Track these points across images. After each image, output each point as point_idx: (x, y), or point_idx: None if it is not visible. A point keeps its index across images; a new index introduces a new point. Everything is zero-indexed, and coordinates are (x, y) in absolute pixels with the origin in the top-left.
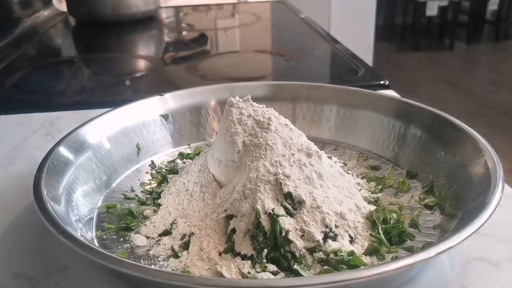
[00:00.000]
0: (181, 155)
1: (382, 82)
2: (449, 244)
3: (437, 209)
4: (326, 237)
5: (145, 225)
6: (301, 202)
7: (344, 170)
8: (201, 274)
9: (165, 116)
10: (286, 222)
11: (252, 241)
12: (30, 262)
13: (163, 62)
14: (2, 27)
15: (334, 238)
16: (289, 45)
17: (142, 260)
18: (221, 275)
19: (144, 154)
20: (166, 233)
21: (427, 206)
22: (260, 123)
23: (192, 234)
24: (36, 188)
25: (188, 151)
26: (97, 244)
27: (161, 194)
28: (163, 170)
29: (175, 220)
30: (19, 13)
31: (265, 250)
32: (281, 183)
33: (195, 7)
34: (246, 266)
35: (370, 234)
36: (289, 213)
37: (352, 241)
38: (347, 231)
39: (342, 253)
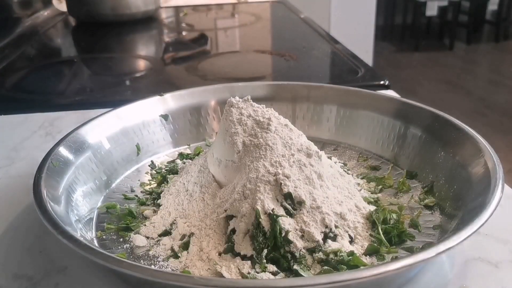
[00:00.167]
0: (181, 156)
1: (382, 82)
2: (449, 244)
3: (437, 209)
4: (326, 237)
5: (145, 225)
6: (301, 203)
7: (344, 170)
8: (201, 275)
9: (165, 116)
10: (286, 223)
11: (252, 242)
12: (30, 262)
13: (163, 62)
14: (2, 27)
15: (334, 239)
16: (289, 45)
17: (142, 261)
18: (221, 276)
19: (144, 154)
20: (166, 233)
21: (427, 206)
22: (260, 123)
23: (192, 234)
24: (36, 188)
25: (188, 151)
26: (97, 245)
27: (161, 195)
28: (163, 170)
29: (175, 220)
30: (19, 13)
31: (265, 250)
32: (281, 183)
33: (195, 7)
34: (246, 266)
35: (370, 235)
36: (289, 214)
37: (352, 241)
38: (347, 232)
39: (342, 253)
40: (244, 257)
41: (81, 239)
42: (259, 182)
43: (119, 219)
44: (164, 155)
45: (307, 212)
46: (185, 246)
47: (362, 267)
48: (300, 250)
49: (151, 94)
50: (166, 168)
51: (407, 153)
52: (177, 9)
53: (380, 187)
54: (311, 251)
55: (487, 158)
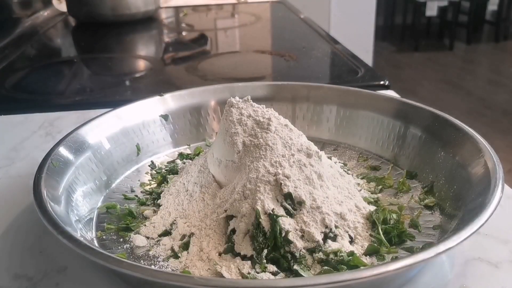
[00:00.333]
0: (181, 156)
1: (382, 82)
2: (449, 245)
3: (437, 210)
4: (326, 237)
5: (145, 225)
6: (301, 203)
7: (344, 171)
8: (201, 275)
9: (165, 117)
10: (286, 223)
11: (252, 242)
12: (30, 263)
13: (163, 63)
14: (2, 27)
15: (334, 239)
16: (289, 45)
17: (142, 261)
18: (221, 276)
19: (144, 154)
20: (166, 233)
21: (427, 207)
22: (260, 123)
23: (192, 234)
24: (36, 188)
25: (188, 151)
26: (97, 245)
27: (161, 195)
28: (163, 170)
29: (175, 220)
30: (19, 13)
31: (265, 251)
32: (281, 183)
33: (195, 8)
34: (246, 266)
35: (370, 235)
36: (289, 214)
37: (352, 241)
38: (347, 232)
39: (342, 254)
40: (244, 257)
41: (81, 239)
42: (259, 182)
43: (119, 219)
44: (164, 155)
45: (307, 212)
46: (185, 246)
47: (362, 267)
48: (300, 250)
49: (151, 94)
50: (166, 168)
51: (407, 153)
52: (177, 9)
53: (380, 187)
54: (311, 251)
55: (487, 158)
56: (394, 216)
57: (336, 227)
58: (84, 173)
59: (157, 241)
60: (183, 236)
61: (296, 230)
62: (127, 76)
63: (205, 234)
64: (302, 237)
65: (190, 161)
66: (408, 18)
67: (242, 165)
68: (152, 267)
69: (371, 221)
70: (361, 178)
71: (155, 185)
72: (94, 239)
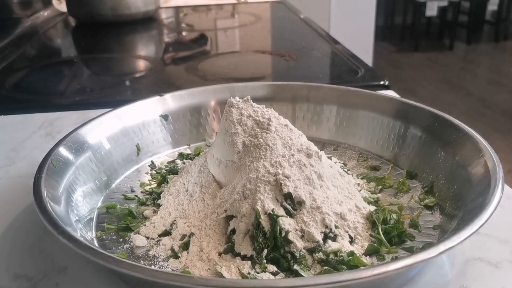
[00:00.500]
0: (181, 156)
1: (382, 82)
2: (449, 245)
3: (437, 210)
4: (326, 237)
5: (145, 225)
6: (301, 203)
7: (344, 171)
8: (201, 275)
9: (165, 117)
10: (286, 223)
11: (252, 242)
12: (30, 263)
13: (163, 63)
14: (2, 27)
15: (334, 239)
16: (289, 45)
17: (142, 261)
18: (221, 276)
19: (144, 154)
20: (166, 233)
21: (427, 207)
22: (260, 123)
23: (192, 234)
24: (36, 188)
25: (188, 151)
26: (97, 245)
27: (161, 195)
28: (163, 170)
29: (175, 220)
30: (19, 13)
31: (265, 251)
32: (281, 183)
33: (195, 8)
34: (246, 266)
35: (370, 235)
36: (289, 214)
37: (352, 241)
38: (347, 232)
39: (342, 254)
40: (244, 257)
41: (81, 239)
42: (259, 182)
43: (119, 219)
44: (164, 155)
45: (307, 212)
46: (185, 246)
47: (362, 267)
48: (300, 250)
49: (151, 94)
50: (166, 168)
51: (407, 153)
52: (177, 9)
53: (380, 187)
54: (311, 251)
55: (487, 158)
56: (394, 216)
57: (336, 227)
58: (84, 173)
59: (157, 241)
60: (183, 236)
61: (296, 230)
62: (127, 76)
63: (205, 234)
64: (302, 237)
65: (190, 161)
66: (408, 18)
67: (242, 165)
68: (152, 267)
69: (371, 221)
70: (361, 178)
71: (155, 185)
72: (94, 239)
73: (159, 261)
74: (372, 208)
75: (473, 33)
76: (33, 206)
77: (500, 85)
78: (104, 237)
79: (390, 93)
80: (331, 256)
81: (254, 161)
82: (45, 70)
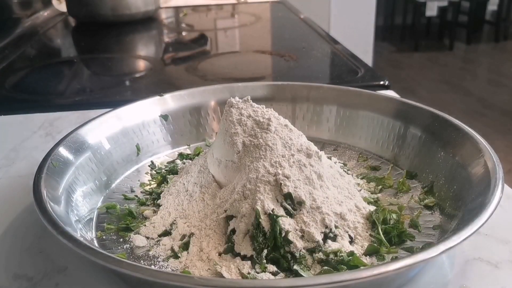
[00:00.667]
0: (181, 156)
1: (382, 82)
2: (449, 244)
3: (437, 210)
4: (326, 237)
5: (145, 225)
6: (301, 203)
7: (344, 171)
8: (201, 275)
9: (164, 117)
10: (286, 223)
11: (252, 242)
12: (30, 263)
13: (163, 63)
14: (2, 27)
15: (334, 239)
16: (289, 45)
17: (141, 261)
18: (221, 276)
19: (143, 154)
20: (166, 233)
21: (427, 207)
22: (260, 123)
23: (192, 234)
24: (36, 188)
25: (188, 151)
26: (96, 245)
27: (161, 195)
28: (163, 170)
29: (175, 220)
30: (19, 14)
31: (265, 251)
32: (281, 183)
33: (194, 8)
34: (246, 266)
35: (370, 235)
36: (289, 214)
37: (352, 241)
38: (347, 232)
39: (342, 254)
40: (244, 257)
41: (81, 239)
42: (259, 182)
43: (119, 219)
44: (164, 156)
45: (307, 212)
46: (185, 246)
47: (362, 267)
48: (300, 250)
49: (151, 94)
50: (166, 169)
51: (407, 153)
52: (177, 9)
53: (380, 187)
54: (311, 251)
55: (487, 158)
56: (394, 216)
57: (336, 227)
58: (84, 173)
59: (157, 241)
60: (183, 236)
61: (296, 230)
62: (127, 76)
63: (205, 234)
64: (302, 237)
65: (190, 161)
66: (408, 18)
67: (242, 165)
68: (152, 267)
69: (371, 221)
70: (361, 178)
71: (155, 185)
72: (94, 239)
73: (159, 261)
74: (372, 208)
75: (473, 33)
76: (33, 206)
77: (500, 85)
78: (104, 237)
79: (390, 93)
80: (331, 256)
81: (254, 161)
82: (45, 70)
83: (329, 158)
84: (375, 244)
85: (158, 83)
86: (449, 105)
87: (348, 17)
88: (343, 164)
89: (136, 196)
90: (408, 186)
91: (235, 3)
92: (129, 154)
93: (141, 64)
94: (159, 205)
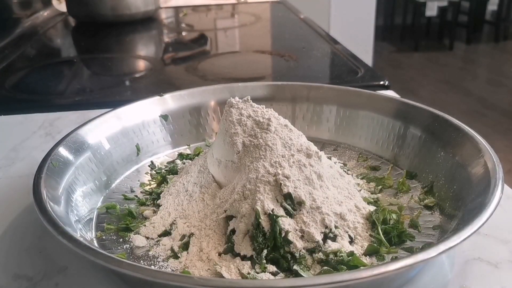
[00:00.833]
0: (181, 156)
1: (381, 82)
2: (449, 244)
3: (436, 210)
4: (325, 237)
5: (145, 225)
6: (300, 203)
7: (343, 171)
8: (200, 275)
9: (164, 117)
10: (286, 223)
11: (251, 242)
12: (30, 263)
13: (162, 63)
14: (2, 27)
15: (333, 239)
16: (289, 45)
17: (141, 261)
18: (221, 276)
19: (143, 154)
20: (166, 233)
21: (427, 207)
22: (260, 123)
23: (191, 234)
24: (36, 188)
25: (188, 151)
26: (96, 245)
27: (161, 195)
28: (163, 170)
29: (175, 220)
30: (19, 14)
31: (265, 251)
32: (280, 183)
33: (194, 8)
34: (246, 266)
35: (370, 235)
36: (289, 214)
37: (351, 241)
38: (347, 232)
39: (342, 254)
40: (244, 258)
41: (81, 239)
42: (259, 182)
43: (119, 219)
44: (164, 156)
45: (307, 212)
46: (185, 247)
47: (362, 268)
48: (300, 251)
49: (151, 94)
50: (166, 169)
51: (407, 153)
52: (177, 9)
53: (380, 187)
54: (311, 251)
55: (487, 158)
56: (394, 216)
57: (336, 227)
58: (84, 173)
59: (157, 241)
60: (183, 236)
61: (296, 230)
62: (127, 76)
63: (205, 234)
64: (302, 237)
65: (190, 161)
66: (408, 18)
67: (241, 165)
68: (152, 267)
69: (371, 221)
70: (361, 178)
71: (155, 185)
72: (94, 239)
73: (159, 261)
74: (372, 208)
75: (473, 33)
76: (33, 206)
77: (500, 85)
78: (103, 237)
79: (390, 93)
80: (331, 256)
81: (254, 161)
82: (45, 70)
83: (329, 158)
84: (375, 244)
85: (158, 83)
86: (449, 105)
87: (348, 17)
88: (343, 164)
89: (136, 196)
90: (408, 186)
91: (235, 3)
92: (129, 154)
93: (141, 64)
94: (159, 205)
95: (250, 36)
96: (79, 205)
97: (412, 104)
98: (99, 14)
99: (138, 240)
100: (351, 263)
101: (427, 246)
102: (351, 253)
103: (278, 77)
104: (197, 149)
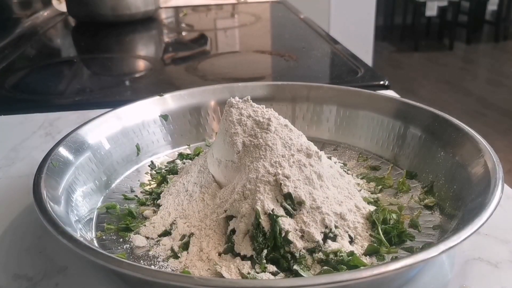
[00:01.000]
0: (181, 156)
1: (381, 82)
2: (449, 244)
3: (437, 210)
4: (325, 237)
5: (145, 225)
6: (300, 203)
7: (344, 171)
8: (200, 275)
9: (164, 117)
10: (286, 223)
11: (251, 242)
12: (30, 263)
13: (162, 63)
14: (2, 27)
15: (333, 239)
16: (289, 45)
17: (141, 261)
18: (221, 276)
19: (143, 154)
20: (166, 233)
21: (427, 207)
22: (260, 123)
23: (191, 234)
24: (36, 188)
25: (188, 151)
26: (96, 245)
27: (161, 195)
28: (163, 170)
29: (175, 220)
30: (19, 14)
31: (265, 251)
32: (280, 183)
33: (194, 8)
34: (246, 266)
35: (370, 235)
36: (289, 214)
37: (352, 241)
38: (347, 232)
39: (342, 254)
40: (244, 258)
41: (81, 239)
42: (259, 182)
43: (119, 219)
44: (164, 156)
45: (307, 212)
46: (185, 247)
47: (362, 267)
48: (300, 250)
49: (151, 94)
50: (166, 169)
51: (407, 153)
52: (177, 9)
53: (380, 187)
54: (311, 251)
55: (487, 158)
56: (394, 216)
57: (336, 227)
58: (84, 173)
59: (157, 241)
60: (183, 236)
61: (296, 230)
62: (127, 76)
63: (205, 234)
64: (302, 237)
65: (190, 161)
66: (408, 18)
67: (242, 165)
68: (152, 267)
69: (371, 221)
70: (361, 178)
71: (155, 185)
72: (94, 239)
73: (159, 261)
74: (372, 208)
75: (473, 33)
76: (33, 206)
77: (500, 85)
78: (104, 237)
79: (390, 93)
80: (331, 256)
81: (254, 161)
82: (45, 70)
83: (329, 158)
84: (375, 244)
85: (158, 83)
86: (449, 105)
87: (348, 17)
88: (343, 164)
89: (136, 196)
90: (408, 186)
91: (235, 3)
92: (129, 154)
93: (141, 64)
94: (159, 205)
95: (250, 36)
96: (79, 205)
97: (412, 104)
98: (99, 14)
99: (138, 240)
100: (351, 263)
101: (427, 246)
102: (351, 253)
103: (278, 77)
104: (197, 149)
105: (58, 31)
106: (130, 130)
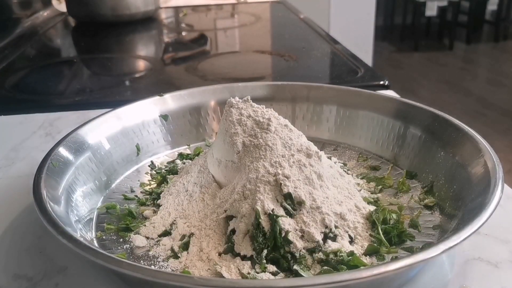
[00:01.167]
0: (181, 156)
1: (381, 82)
2: (449, 244)
3: (436, 209)
4: (325, 237)
5: (145, 225)
6: (300, 203)
7: (344, 171)
8: (200, 275)
9: (164, 117)
10: (286, 223)
11: (251, 242)
12: (30, 263)
13: (162, 63)
14: (2, 27)
15: (334, 239)
16: (289, 45)
17: (141, 261)
18: (221, 276)
19: (143, 154)
20: (166, 233)
21: (427, 206)
22: (260, 123)
23: (191, 234)
24: (36, 188)
25: (188, 151)
26: (96, 245)
27: (161, 195)
28: (163, 170)
29: (175, 220)
30: (19, 14)
31: (265, 251)
32: (280, 183)
33: (194, 8)
34: (246, 266)
35: (370, 235)
36: (289, 214)
37: (352, 241)
38: (347, 232)
39: (342, 254)
40: (244, 258)
41: (81, 239)
42: (259, 182)
43: (119, 219)
44: (164, 156)
45: (307, 212)
46: (185, 247)
47: (362, 267)
48: (300, 250)
49: (151, 94)
50: (166, 169)
51: (407, 153)
52: (177, 9)
53: (380, 187)
54: (311, 251)
55: (487, 158)
56: (394, 216)
57: (336, 227)
58: (84, 173)
59: (157, 241)
60: (183, 236)
61: (296, 230)
62: (127, 76)
63: (205, 234)
64: (302, 237)
65: (190, 161)
66: (407, 18)
67: (242, 165)
68: (152, 267)
69: (371, 221)
70: (361, 178)
71: (155, 185)
72: (94, 239)
73: (159, 261)
74: (372, 208)
75: (473, 33)
76: (33, 206)
77: (500, 85)
78: (104, 237)
79: (390, 93)
80: (331, 256)
81: (254, 161)
82: (45, 70)
83: (329, 158)
84: (375, 244)
85: (158, 83)
86: (449, 105)
87: (348, 17)
88: (343, 164)
89: (136, 196)
90: (408, 186)
91: (235, 3)
92: (129, 154)
93: (141, 64)
94: (159, 205)
95: (250, 36)
96: (79, 205)
97: (412, 104)
98: (99, 14)
99: (138, 240)
100: (351, 263)
101: (427, 246)
102: (351, 253)
103: (278, 77)
104: (197, 149)
105: (58, 31)
106: (130, 130)
